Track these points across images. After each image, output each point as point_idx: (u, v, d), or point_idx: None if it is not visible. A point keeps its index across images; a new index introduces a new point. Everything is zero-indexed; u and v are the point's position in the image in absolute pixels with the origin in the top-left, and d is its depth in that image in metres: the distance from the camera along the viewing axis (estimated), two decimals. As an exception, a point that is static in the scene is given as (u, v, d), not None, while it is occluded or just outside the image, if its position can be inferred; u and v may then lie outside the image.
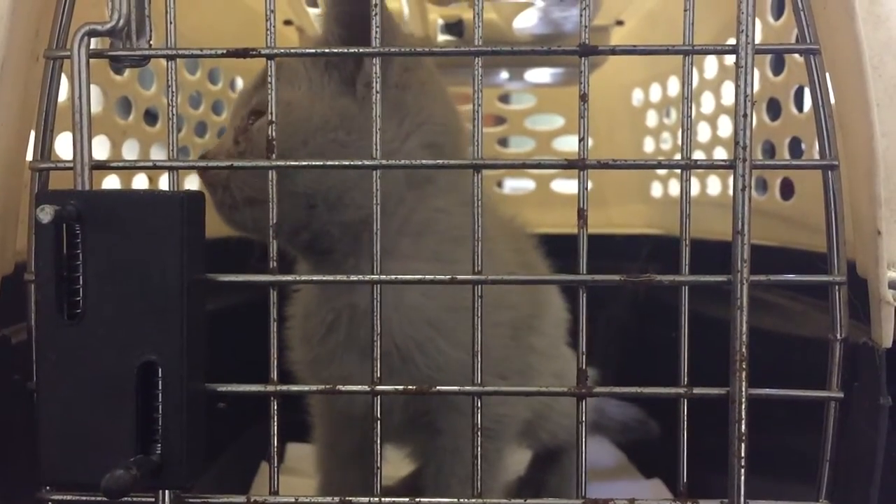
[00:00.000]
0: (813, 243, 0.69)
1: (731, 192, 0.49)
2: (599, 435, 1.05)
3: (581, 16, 0.49)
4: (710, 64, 1.01)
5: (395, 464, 0.81)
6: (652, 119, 1.21)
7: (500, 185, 1.32)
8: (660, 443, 0.99)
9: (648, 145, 1.22)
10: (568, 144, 1.27)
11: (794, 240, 0.74)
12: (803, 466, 0.55)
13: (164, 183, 0.78)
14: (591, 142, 1.37)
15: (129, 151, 0.85)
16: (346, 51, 0.52)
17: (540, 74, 1.21)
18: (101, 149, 0.80)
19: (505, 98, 1.33)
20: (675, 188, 1.15)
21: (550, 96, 1.27)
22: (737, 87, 0.47)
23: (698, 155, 1.04)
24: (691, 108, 0.50)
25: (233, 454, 0.93)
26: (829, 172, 0.51)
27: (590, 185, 0.50)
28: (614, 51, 0.51)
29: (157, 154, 0.87)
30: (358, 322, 0.65)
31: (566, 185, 1.27)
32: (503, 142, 1.32)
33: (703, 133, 1.03)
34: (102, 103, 0.79)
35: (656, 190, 1.21)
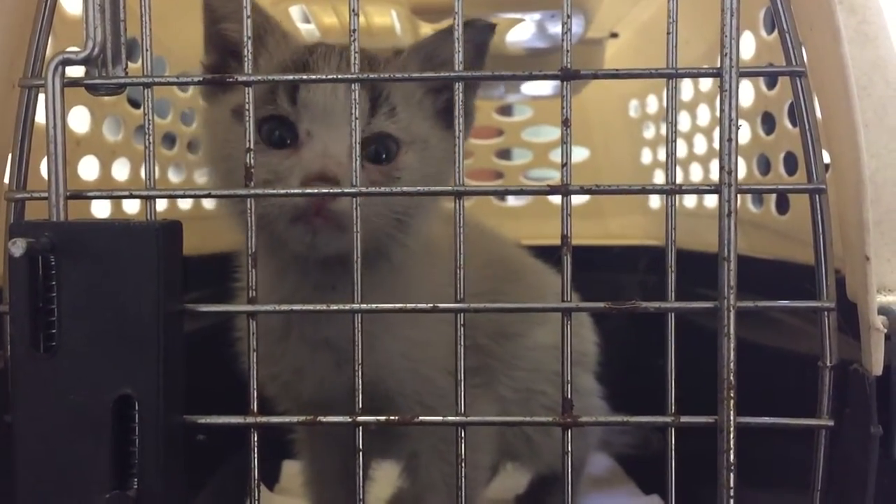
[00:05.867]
0: (808, 258, 0.68)
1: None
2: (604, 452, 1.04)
3: (563, 39, 0.49)
4: (706, 75, 0.99)
5: (381, 483, 0.80)
6: (649, 130, 1.20)
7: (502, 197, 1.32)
8: (659, 459, 0.98)
9: (646, 156, 1.21)
10: (565, 156, 1.26)
11: (790, 254, 0.73)
12: (797, 475, 0.54)
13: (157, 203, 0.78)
14: (587, 153, 1.34)
15: (120, 170, 0.84)
16: (324, 77, 0.51)
17: (537, 87, 1.20)
18: (90, 169, 0.79)
19: (507, 110, 1.32)
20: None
21: (547, 108, 1.26)
22: (721, 111, 0.46)
23: (695, 167, 1.03)
24: (676, 132, 0.49)
25: (225, 474, 0.92)
26: (817, 196, 0.50)
27: (587, 196, 0.49)
28: (596, 75, 0.50)
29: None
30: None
31: (563, 198, 1.26)
32: (504, 154, 1.32)
33: (699, 145, 1.02)
34: (90, 124, 0.78)
35: (654, 201, 1.20)
